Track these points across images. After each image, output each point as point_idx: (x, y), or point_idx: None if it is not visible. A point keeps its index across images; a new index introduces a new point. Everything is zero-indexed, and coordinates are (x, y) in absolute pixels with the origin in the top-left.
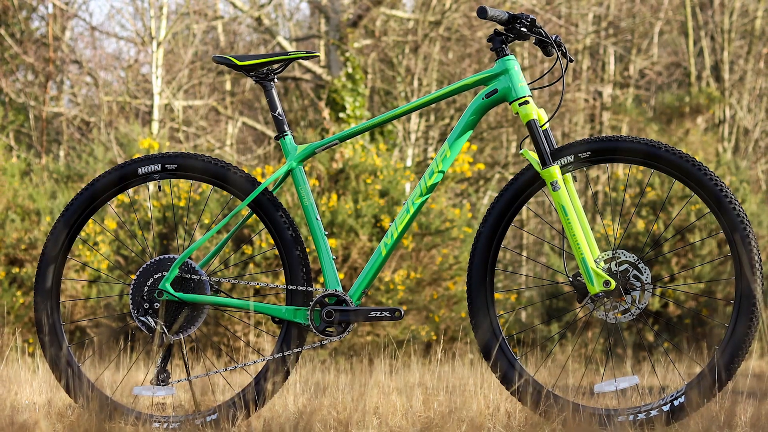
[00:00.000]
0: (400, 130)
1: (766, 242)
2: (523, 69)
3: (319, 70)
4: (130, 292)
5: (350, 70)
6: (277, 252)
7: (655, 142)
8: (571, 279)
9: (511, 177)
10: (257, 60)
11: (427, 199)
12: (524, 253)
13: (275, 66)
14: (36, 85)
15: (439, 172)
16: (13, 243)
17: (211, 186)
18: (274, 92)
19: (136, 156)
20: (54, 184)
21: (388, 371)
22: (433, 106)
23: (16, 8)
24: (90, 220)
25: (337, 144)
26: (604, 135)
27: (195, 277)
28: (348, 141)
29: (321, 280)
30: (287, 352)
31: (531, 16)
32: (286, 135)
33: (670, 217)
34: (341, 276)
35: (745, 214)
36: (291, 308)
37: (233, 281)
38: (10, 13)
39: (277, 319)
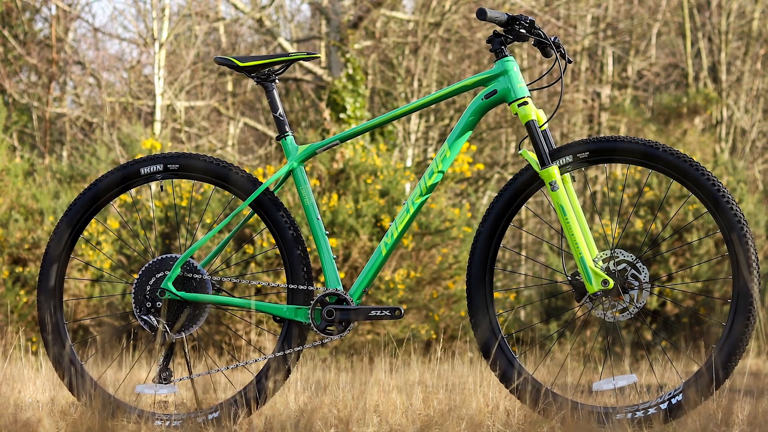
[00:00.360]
0: (400, 130)
1: (762, 242)
2: (522, 70)
3: (319, 71)
4: (133, 291)
5: (351, 71)
6: (278, 251)
7: (653, 143)
8: (569, 278)
9: (510, 177)
10: (259, 61)
11: (426, 198)
12: (523, 253)
13: (276, 67)
14: (39, 86)
15: (439, 172)
16: (17, 242)
17: (212, 186)
18: (276, 93)
19: (139, 156)
20: (57, 184)
21: (388, 369)
22: (433, 106)
23: (19, 10)
24: (93, 220)
25: (337, 144)
26: (602, 135)
27: (197, 276)
28: (348, 141)
29: (322, 279)
30: (288, 351)
31: (530, 17)
32: (287, 135)
33: (668, 217)
34: (342, 275)
35: (742, 214)
36: (292, 307)
37: (235, 280)
38: (14, 14)
39: (278, 318)
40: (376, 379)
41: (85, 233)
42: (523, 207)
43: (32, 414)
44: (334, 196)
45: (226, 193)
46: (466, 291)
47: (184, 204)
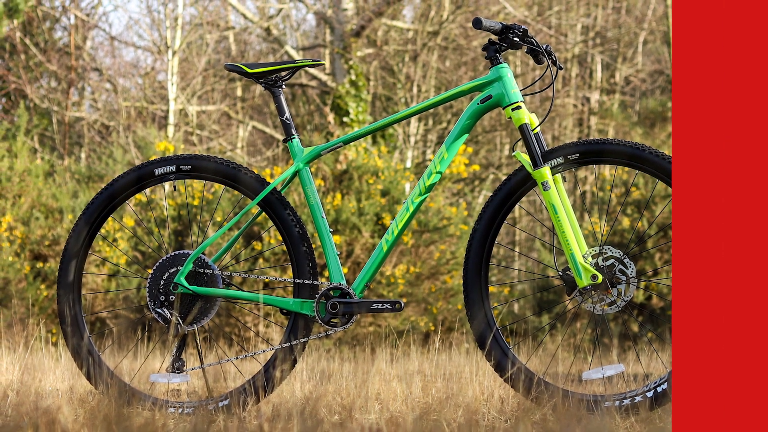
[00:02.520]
0: (401, 133)
1: None
2: (516, 76)
3: (324, 77)
4: (147, 285)
5: (353, 77)
6: (285, 248)
7: (639, 145)
8: (560, 273)
9: (504, 178)
10: (266, 68)
11: (425, 198)
12: (517, 249)
13: (283, 73)
14: (59, 91)
15: (437, 172)
16: (38, 239)
17: (223, 186)
18: (282, 98)
19: (153, 158)
20: (76, 184)
21: (389, 360)
22: (431, 110)
23: (40, 19)
24: (109, 218)
25: (341, 146)
26: (591, 138)
27: (208, 271)
28: (351, 144)
29: (326, 274)
30: (294, 342)
31: (523, 26)
32: (294, 138)
33: (654, 215)
34: (345, 270)
35: None
36: (298, 300)
37: (244, 275)
38: (35, 23)
39: (285, 311)
40: (378, 369)
41: (102, 231)
42: (517, 206)
43: (52, 402)
44: (338, 196)
45: (236, 192)
46: (463, 285)
47: (195, 203)
